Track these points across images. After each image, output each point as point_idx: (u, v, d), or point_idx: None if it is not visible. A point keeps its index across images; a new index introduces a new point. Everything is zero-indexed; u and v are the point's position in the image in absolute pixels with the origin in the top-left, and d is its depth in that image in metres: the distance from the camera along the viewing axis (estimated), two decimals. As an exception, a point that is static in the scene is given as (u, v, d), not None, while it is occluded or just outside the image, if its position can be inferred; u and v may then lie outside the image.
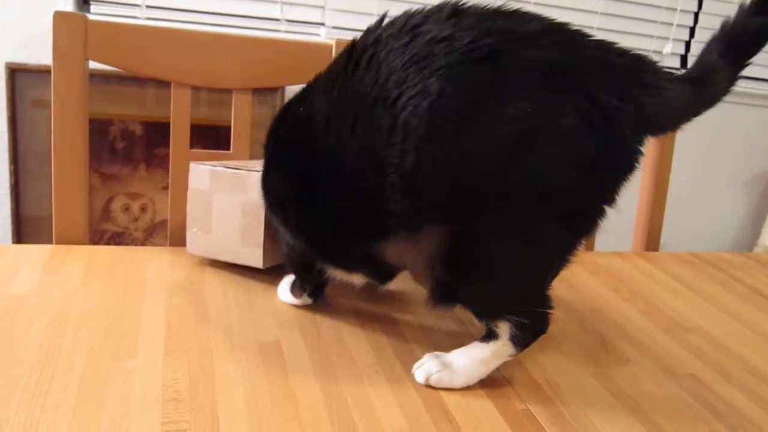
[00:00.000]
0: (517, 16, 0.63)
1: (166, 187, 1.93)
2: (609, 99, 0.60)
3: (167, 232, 1.02)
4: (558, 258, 0.68)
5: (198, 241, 0.89)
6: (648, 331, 0.90)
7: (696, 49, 2.37)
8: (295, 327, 0.79)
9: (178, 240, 1.00)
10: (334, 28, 2.00)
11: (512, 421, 0.66)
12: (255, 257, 0.85)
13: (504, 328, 0.69)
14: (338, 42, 1.00)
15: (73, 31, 0.90)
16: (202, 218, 0.87)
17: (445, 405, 0.67)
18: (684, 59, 2.40)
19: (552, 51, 0.60)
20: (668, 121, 0.66)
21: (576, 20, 2.18)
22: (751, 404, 0.74)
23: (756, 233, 2.62)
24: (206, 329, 0.76)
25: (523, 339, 0.70)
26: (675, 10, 2.30)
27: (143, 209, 1.95)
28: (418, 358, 0.73)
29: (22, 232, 1.87)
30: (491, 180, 0.60)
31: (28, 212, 1.87)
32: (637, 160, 0.63)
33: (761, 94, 2.47)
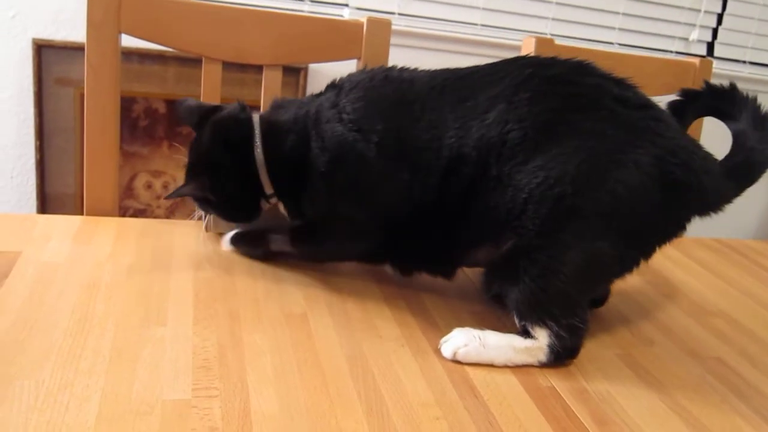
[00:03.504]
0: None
1: (188, 166, 1.95)
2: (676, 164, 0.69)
3: (190, 210, 1.02)
4: (607, 275, 0.75)
5: (218, 222, 0.91)
6: (672, 314, 0.90)
7: (723, 36, 2.34)
8: (321, 300, 0.80)
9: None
10: (358, 8, 2.00)
11: (537, 397, 0.67)
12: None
13: (542, 334, 0.71)
14: (369, 20, 1.00)
15: (107, 3, 0.90)
16: None
17: (470, 380, 0.68)
18: (711, 46, 2.36)
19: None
20: (713, 207, 0.75)
21: (602, 5, 2.16)
22: (776, 387, 0.74)
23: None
24: (234, 300, 0.77)
25: (559, 350, 0.71)
26: (702, -4, 2.27)
27: (165, 187, 1.97)
28: (443, 334, 0.73)
29: (46, 208, 1.90)
30: (574, 196, 0.67)
31: (52, 188, 1.89)
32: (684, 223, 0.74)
33: (788, 83, 2.44)
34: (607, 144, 0.67)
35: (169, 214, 2.01)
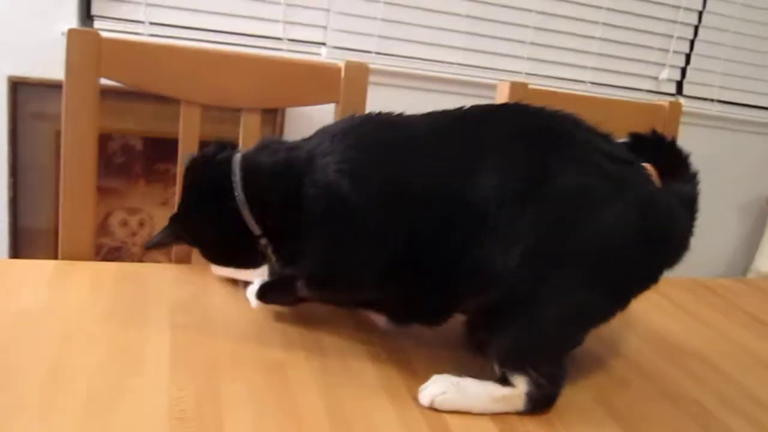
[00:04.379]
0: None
1: (164, 203, 1.94)
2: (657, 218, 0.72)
3: (171, 249, 1.02)
4: (589, 325, 0.75)
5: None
6: (648, 356, 0.90)
7: (692, 76, 2.40)
8: (299, 346, 0.79)
9: (183, 257, 1.00)
10: (336, 48, 2.02)
11: (516, 444, 0.67)
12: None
13: (522, 382, 0.71)
14: (348, 64, 1.01)
15: (86, 48, 0.91)
16: None
17: (449, 427, 0.68)
18: (680, 85, 2.43)
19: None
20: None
21: (576, 45, 2.21)
22: None
23: (749, 258, 2.64)
24: (211, 347, 0.76)
25: (537, 398, 0.71)
26: (672, 37, 2.33)
27: (141, 224, 1.95)
28: (422, 381, 0.73)
29: (19, 245, 1.87)
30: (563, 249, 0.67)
31: (25, 225, 1.87)
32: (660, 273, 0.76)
33: (756, 121, 2.50)
34: (594, 198, 0.68)
35: (145, 251, 1.98)
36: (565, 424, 0.71)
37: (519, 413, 0.71)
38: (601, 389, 0.80)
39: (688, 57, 2.40)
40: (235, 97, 0.99)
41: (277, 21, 1.97)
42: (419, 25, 2.08)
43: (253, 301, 0.83)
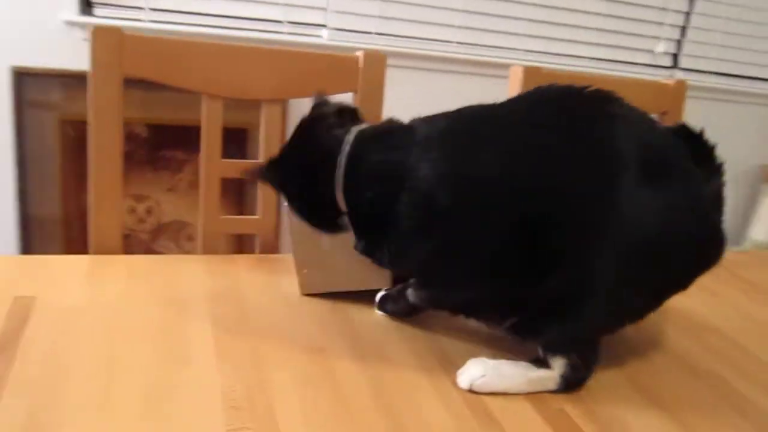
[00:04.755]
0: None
1: (171, 189, 1.95)
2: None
3: (198, 240, 1.04)
4: (631, 322, 0.79)
5: (313, 281, 0.90)
6: (668, 333, 0.94)
7: (688, 48, 2.43)
8: (337, 333, 0.82)
9: (211, 248, 1.02)
10: (336, 29, 2.03)
11: (550, 420, 0.70)
12: (381, 279, 0.88)
13: (559, 365, 0.74)
14: (366, 54, 1.03)
15: (110, 45, 0.92)
16: (313, 257, 0.88)
17: (487, 407, 0.71)
18: (675, 58, 2.45)
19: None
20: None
21: (573, 20, 2.23)
22: (770, 400, 0.79)
23: (745, 228, 2.69)
24: (253, 336, 0.79)
25: (571, 380, 0.75)
26: (666, 10, 2.35)
27: (149, 211, 1.97)
28: (458, 365, 0.76)
29: (29, 235, 1.88)
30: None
31: (34, 214, 1.88)
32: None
33: (751, 92, 2.54)
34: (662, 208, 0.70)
35: (154, 238, 2.00)
36: (595, 401, 0.75)
37: (551, 392, 0.75)
38: (625, 366, 0.83)
39: (683, 30, 2.42)
40: (256, 89, 1.00)
41: (276, 3, 1.96)
42: (418, 5, 2.08)
43: (378, 311, 0.88)
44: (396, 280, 0.88)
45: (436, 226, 0.71)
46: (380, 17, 2.06)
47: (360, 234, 0.78)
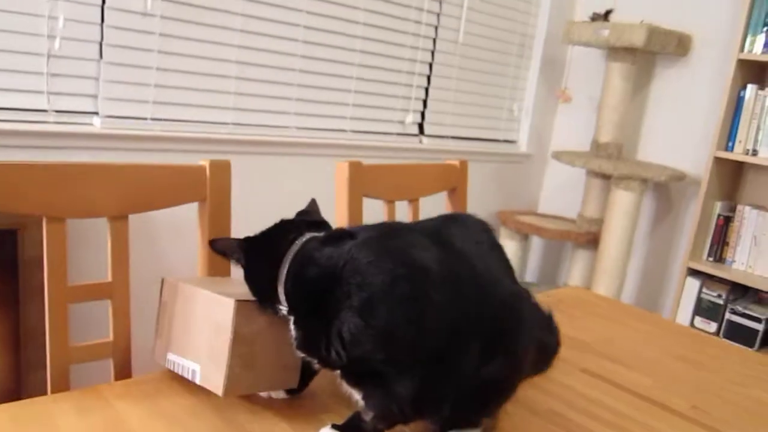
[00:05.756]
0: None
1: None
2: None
3: (48, 374, 0.94)
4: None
5: (239, 382, 0.85)
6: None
7: (430, 117, 2.78)
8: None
9: (60, 384, 0.94)
10: (109, 117, 1.94)
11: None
12: (293, 379, 0.89)
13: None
14: (212, 163, 1.04)
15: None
16: (246, 358, 0.85)
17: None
18: (421, 127, 2.79)
19: None
20: None
21: (334, 98, 2.42)
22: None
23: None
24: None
25: None
26: (411, 86, 2.67)
27: None
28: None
29: None
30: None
31: None
32: None
33: (481, 151, 2.98)
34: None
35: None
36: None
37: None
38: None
39: (424, 102, 2.77)
40: (101, 206, 0.95)
41: (41, 92, 1.82)
42: (192, 89, 2.09)
43: None
44: (303, 376, 0.90)
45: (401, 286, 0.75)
46: (155, 102, 2.02)
47: (300, 325, 0.81)
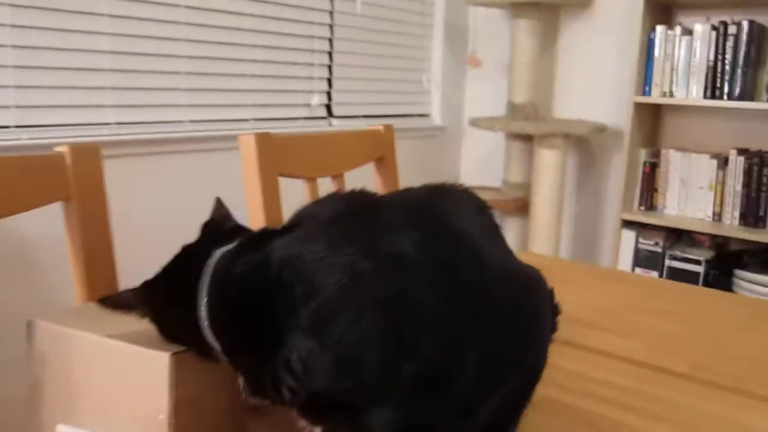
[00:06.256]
0: None
1: None
2: None
3: None
4: None
5: None
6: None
7: (337, 97, 2.57)
8: None
9: None
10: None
11: None
12: None
13: None
14: (75, 148, 0.79)
15: None
16: (190, 420, 0.60)
17: None
18: (329, 109, 2.58)
19: None
20: None
21: (230, 85, 2.17)
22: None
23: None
24: None
25: None
26: (313, 65, 2.46)
27: None
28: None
29: None
30: None
31: None
32: None
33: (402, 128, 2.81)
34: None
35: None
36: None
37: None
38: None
39: (329, 81, 2.56)
40: None
41: None
42: (62, 87, 1.79)
43: None
44: None
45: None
46: (17, 107, 1.72)
47: (242, 367, 0.58)
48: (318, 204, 0.62)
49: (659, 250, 2.53)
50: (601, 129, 2.64)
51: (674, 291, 1.26)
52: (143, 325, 0.65)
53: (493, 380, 0.60)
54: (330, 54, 2.52)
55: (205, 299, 0.57)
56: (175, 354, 0.57)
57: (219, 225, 0.66)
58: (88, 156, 0.81)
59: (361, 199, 0.62)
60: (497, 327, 0.58)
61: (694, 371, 0.90)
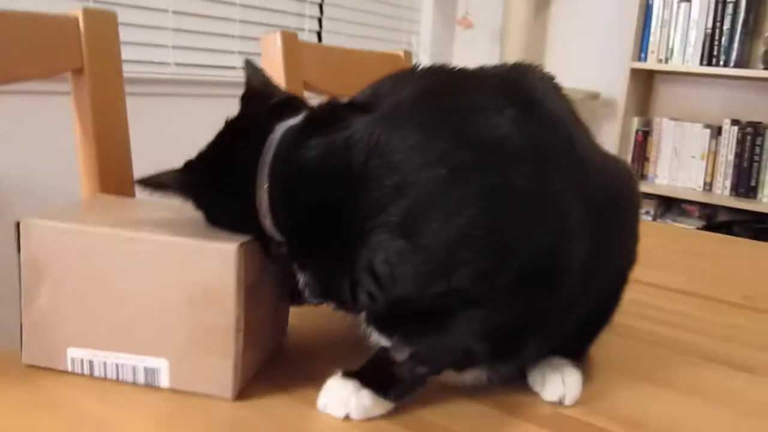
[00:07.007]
0: None
1: None
2: None
3: None
4: None
5: (247, 365, 0.52)
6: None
7: (328, 26, 2.45)
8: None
9: None
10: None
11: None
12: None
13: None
14: (88, 13, 0.68)
15: None
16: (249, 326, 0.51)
17: None
18: (319, 36, 2.47)
19: None
20: None
21: (221, 13, 2.04)
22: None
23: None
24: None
25: None
26: (304, 30, 2.36)
27: None
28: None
29: None
30: None
31: None
32: None
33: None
34: None
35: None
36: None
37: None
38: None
39: (320, 7, 2.44)
40: None
41: None
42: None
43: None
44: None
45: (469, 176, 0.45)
46: None
47: (309, 266, 0.50)
48: (396, 81, 0.53)
49: (650, 218, 2.50)
50: (594, 96, 2.59)
51: (703, 237, 1.22)
52: (157, 214, 0.55)
53: (593, 279, 0.53)
54: (320, 6, 2.42)
55: (266, 185, 0.48)
56: (242, 245, 0.48)
57: (265, 94, 0.56)
58: (104, 23, 0.70)
59: (443, 74, 0.53)
60: (600, 222, 0.51)
61: (747, 302, 0.85)
